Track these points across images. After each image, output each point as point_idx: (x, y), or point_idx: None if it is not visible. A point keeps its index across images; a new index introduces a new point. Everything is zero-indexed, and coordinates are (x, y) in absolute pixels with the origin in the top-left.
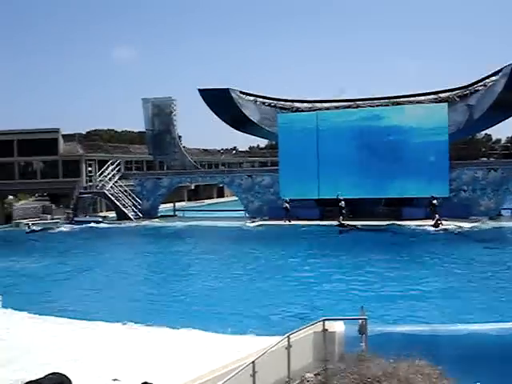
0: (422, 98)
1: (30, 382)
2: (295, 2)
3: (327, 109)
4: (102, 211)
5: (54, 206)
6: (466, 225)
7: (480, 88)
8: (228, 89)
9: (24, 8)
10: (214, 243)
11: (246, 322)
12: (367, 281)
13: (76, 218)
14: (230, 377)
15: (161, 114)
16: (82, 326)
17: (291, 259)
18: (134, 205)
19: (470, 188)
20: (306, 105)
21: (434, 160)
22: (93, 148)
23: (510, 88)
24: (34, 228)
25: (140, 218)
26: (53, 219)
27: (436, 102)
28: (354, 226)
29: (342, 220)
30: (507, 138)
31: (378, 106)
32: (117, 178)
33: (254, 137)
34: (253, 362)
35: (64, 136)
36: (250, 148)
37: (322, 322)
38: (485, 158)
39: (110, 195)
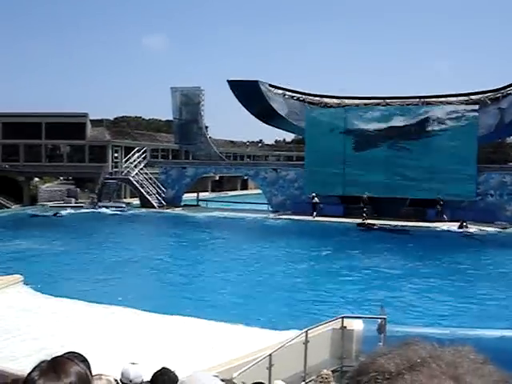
0: (453, 99)
1: (56, 357)
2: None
3: (356, 105)
4: (126, 197)
5: (79, 190)
6: (491, 229)
7: None
8: (257, 81)
9: None
10: (236, 235)
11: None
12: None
13: (100, 203)
14: (247, 368)
15: (189, 103)
16: (110, 311)
17: (305, 255)
18: (157, 193)
19: (497, 192)
20: (334, 100)
21: (462, 162)
22: (120, 134)
23: None
24: (62, 213)
25: (163, 206)
26: (77, 203)
27: (467, 104)
28: (373, 224)
29: (364, 218)
30: None
31: (407, 104)
32: (142, 165)
33: (280, 130)
34: (270, 354)
35: (92, 121)
36: (276, 141)
37: (340, 319)
38: None
39: (134, 182)
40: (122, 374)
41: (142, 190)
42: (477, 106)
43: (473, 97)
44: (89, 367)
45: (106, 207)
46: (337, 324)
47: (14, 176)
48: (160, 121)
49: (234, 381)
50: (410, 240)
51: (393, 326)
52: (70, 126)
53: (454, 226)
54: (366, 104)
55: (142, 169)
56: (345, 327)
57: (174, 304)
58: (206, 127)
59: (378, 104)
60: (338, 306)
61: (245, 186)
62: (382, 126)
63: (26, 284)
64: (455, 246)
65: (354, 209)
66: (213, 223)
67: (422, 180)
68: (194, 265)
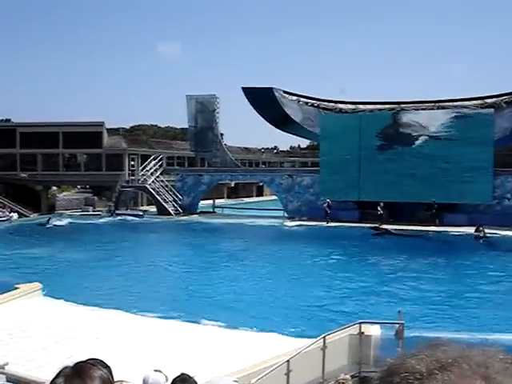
0: (468, 102)
1: (79, 362)
2: (343, 3)
3: (371, 111)
4: (142, 205)
5: (96, 199)
6: (508, 233)
7: None
8: (272, 88)
9: (72, 4)
10: (253, 241)
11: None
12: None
13: (117, 211)
14: (265, 374)
15: (204, 111)
16: (131, 318)
17: (320, 260)
18: (174, 200)
19: None
20: (349, 106)
21: (478, 166)
22: (136, 142)
23: None
24: (56, 223)
25: (180, 213)
26: (94, 211)
27: (482, 108)
28: (387, 229)
29: (381, 224)
30: None
31: (422, 109)
32: (159, 173)
33: (295, 137)
34: (288, 360)
35: (108, 130)
36: (290, 148)
37: (358, 325)
38: None
39: (151, 190)
40: (144, 381)
41: (159, 198)
42: (492, 110)
43: (488, 100)
44: (111, 373)
45: (123, 215)
46: (354, 330)
47: (32, 185)
48: (176, 129)
49: None
50: (424, 244)
51: (411, 331)
52: (87, 135)
53: (470, 230)
54: (380, 109)
55: (158, 176)
56: (362, 333)
57: (193, 310)
58: (222, 134)
59: (393, 109)
60: (354, 312)
61: (260, 193)
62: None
63: (45, 292)
64: (469, 250)
65: (370, 214)
66: (229, 230)
67: (437, 184)
68: (212, 271)
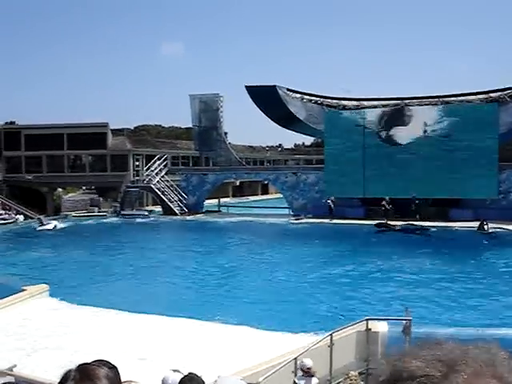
0: (472, 97)
1: (83, 364)
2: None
3: (375, 107)
4: (148, 205)
5: (101, 199)
6: None
7: None
8: (275, 86)
9: (76, 5)
10: (259, 239)
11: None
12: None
13: (123, 212)
14: (272, 372)
15: (208, 110)
16: (140, 318)
17: (326, 257)
18: (179, 200)
19: None
20: (353, 103)
21: (483, 161)
22: (140, 143)
23: None
24: (48, 227)
25: (185, 212)
26: (100, 212)
27: (486, 102)
28: (391, 225)
29: (387, 220)
30: None
31: (426, 105)
32: (163, 172)
33: (299, 134)
34: (295, 358)
35: (112, 131)
36: (295, 145)
37: (365, 322)
38: None
39: (156, 190)
40: (163, 381)
41: (164, 198)
42: (496, 104)
43: (492, 94)
44: (118, 373)
45: (129, 215)
46: (361, 326)
47: (38, 187)
48: (180, 128)
49: None
50: (429, 240)
51: (418, 328)
52: (91, 136)
53: (475, 225)
54: (384, 105)
55: (163, 176)
56: (369, 329)
57: (199, 309)
58: (226, 133)
59: (397, 105)
60: (360, 309)
61: (266, 191)
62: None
63: (52, 294)
64: (473, 245)
65: (375, 211)
66: (235, 228)
67: (442, 180)
68: (220, 270)
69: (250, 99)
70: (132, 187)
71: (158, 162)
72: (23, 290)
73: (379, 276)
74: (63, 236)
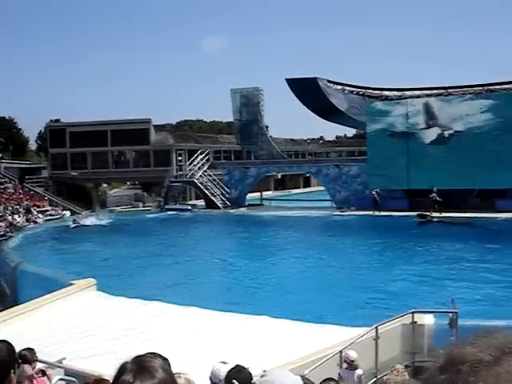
0: None
1: (139, 356)
2: None
3: (417, 97)
4: (191, 199)
5: (145, 194)
6: None
7: None
8: (315, 78)
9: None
10: (303, 232)
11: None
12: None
13: (167, 206)
14: (318, 365)
15: (249, 104)
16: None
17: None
18: (222, 193)
19: None
20: (395, 93)
21: None
22: (183, 138)
23: None
24: (80, 223)
25: (228, 206)
26: (144, 207)
27: None
28: (434, 217)
29: (433, 211)
30: None
31: (470, 93)
32: (206, 167)
33: (341, 126)
34: (340, 351)
35: (155, 126)
36: (336, 137)
37: (411, 314)
38: None
39: (199, 184)
40: (212, 373)
41: (207, 192)
42: None
43: None
44: (169, 366)
45: (172, 210)
46: (407, 319)
47: (83, 183)
48: (221, 122)
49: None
50: (473, 232)
51: (464, 320)
52: (135, 132)
53: None
54: (427, 95)
55: (205, 171)
56: (415, 322)
57: (246, 302)
58: (267, 127)
59: (441, 94)
60: (405, 302)
61: (307, 184)
62: (445, 116)
63: (99, 287)
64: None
65: (420, 202)
66: (278, 222)
67: (488, 170)
68: (265, 263)
69: (291, 92)
70: (175, 182)
71: (200, 157)
72: (71, 284)
73: (424, 269)
74: (109, 230)
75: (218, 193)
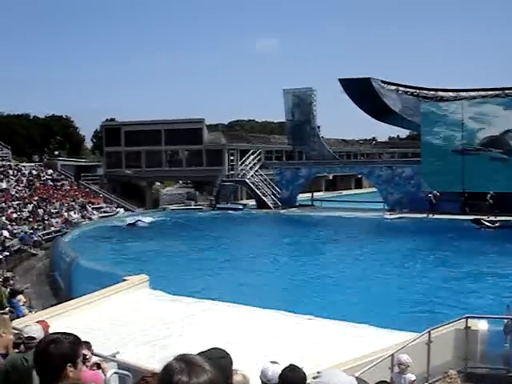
0: None
1: (185, 354)
2: None
3: (473, 98)
4: (242, 199)
5: (197, 193)
6: None
7: None
8: (369, 78)
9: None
10: (355, 234)
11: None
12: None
13: (218, 205)
14: (369, 367)
15: (301, 104)
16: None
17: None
18: (273, 193)
19: None
20: (450, 94)
21: None
22: (235, 138)
23: None
24: (134, 222)
25: (278, 206)
26: (196, 205)
27: None
28: (490, 221)
29: (489, 215)
30: None
31: None
32: (257, 167)
33: (393, 127)
34: (392, 354)
35: (208, 126)
36: (389, 138)
37: (464, 320)
38: None
39: (250, 184)
40: (262, 373)
41: (258, 192)
42: None
43: None
44: (231, 362)
45: (224, 209)
46: (461, 324)
47: (137, 181)
48: (273, 123)
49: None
50: None
51: None
52: (188, 132)
53: None
54: (483, 96)
55: (257, 171)
56: (469, 327)
57: (294, 302)
58: (318, 127)
59: (497, 96)
60: (459, 306)
61: (359, 185)
62: (501, 117)
63: (151, 284)
64: None
65: (474, 205)
66: (329, 223)
67: None
68: (317, 264)
69: (343, 92)
70: (227, 181)
71: (252, 157)
72: (124, 280)
73: (481, 274)
74: (161, 228)
75: (269, 193)
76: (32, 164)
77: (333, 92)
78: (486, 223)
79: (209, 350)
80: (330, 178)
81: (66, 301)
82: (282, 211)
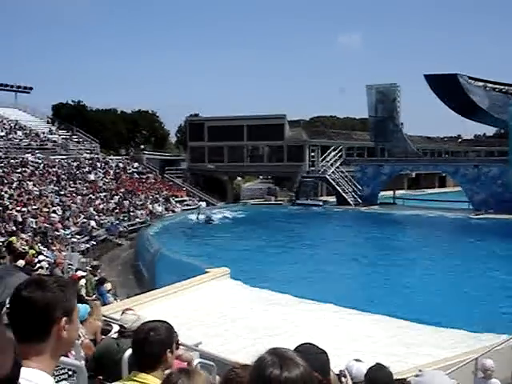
0: None
1: (278, 348)
2: None
3: None
4: (322, 195)
5: (277, 189)
6: None
7: None
8: (456, 74)
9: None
10: (437, 234)
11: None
12: None
13: (298, 201)
14: (452, 370)
15: (384, 100)
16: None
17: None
18: (353, 191)
19: None
20: None
21: None
22: (316, 134)
23: None
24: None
25: (359, 204)
26: (276, 201)
27: None
28: None
29: None
30: None
31: None
32: (338, 163)
33: (480, 124)
34: (476, 358)
35: (289, 122)
36: (475, 136)
37: None
38: None
39: (331, 180)
40: (346, 370)
41: (339, 188)
42: None
43: None
44: (327, 359)
45: (304, 205)
46: None
47: (218, 175)
48: (354, 119)
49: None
50: None
51: None
52: (270, 128)
53: None
54: None
55: (338, 167)
56: None
57: (373, 301)
58: (402, 124)
59: None
60: None
61: (443, 184)
62: None
63: (233, 276)
64: None
65: None
66: (413, 221)
67: None
68: (397, 264)
69: (427, 88)
70: (307, 177)
71: (333, 153)
72: (206, 272)
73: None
74: (242, 222)
75: (350, 190)
76: (119, 157)
77: (416, 87)
78: None
79: (302, 345)
80: (413, 176)
81: (150, 290)
82: (362, 209)
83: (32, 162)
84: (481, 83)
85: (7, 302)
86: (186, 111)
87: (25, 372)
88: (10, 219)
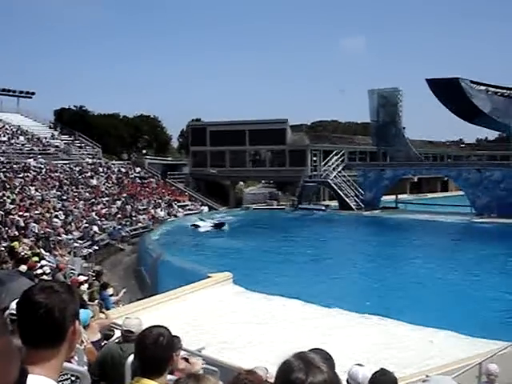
0: None
1: (299, 352)
2: None
3: None
4: (324, 200)
5: (280, 193)
6: None
7: None
8: (458, 78)
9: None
10: (441, 239)
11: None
12: None
13: (300, 205)
14: (456, 375)
15: (386, 105)
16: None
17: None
18: (355, 195)
19: None
20: None
21: None
22: (318, 138)
23: None
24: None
25: (361, 208)
26: (278, 205)
27: None
28: None
29: None
30: None
31: None
32: (340, 168)
33: (482, 128)
34: (480, 363)
35: (291, 127)
36: (477, 140)
37: None
38: None
39: (333, 184)
40: (351, 376)
41: (341, 193)
42: None
43: None
44: (333, 365)
45: (306, 209)
46: None
47: (221, 180)
48: (356, 123)
49: None
50: None
51: None
52: (272, 132)
53: None
54: None
55: (340, 172)
56: None
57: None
58: (404, 128)
59: None
60: None
61: (445, 188)
62: None
63: (235, 281)
64: None
65: None
66: (415, 226)
67: None
68: (399, 268)
69: (429, 93)
70: (309, 182)
71: (335, 158)
72: (209, 277)
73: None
74: (244, 227)
75: (352, 194)
76: (121, 162)
77: (417, 92)
78: None
79: (312, 350)
80: (415, 180)
81: (152, 295)
82: (365, 213)
83: (34, 166)
84: (483, 87)
85: (11, 307)
86: (188, 116)
87: (32, 380)
88: (12, 224)
